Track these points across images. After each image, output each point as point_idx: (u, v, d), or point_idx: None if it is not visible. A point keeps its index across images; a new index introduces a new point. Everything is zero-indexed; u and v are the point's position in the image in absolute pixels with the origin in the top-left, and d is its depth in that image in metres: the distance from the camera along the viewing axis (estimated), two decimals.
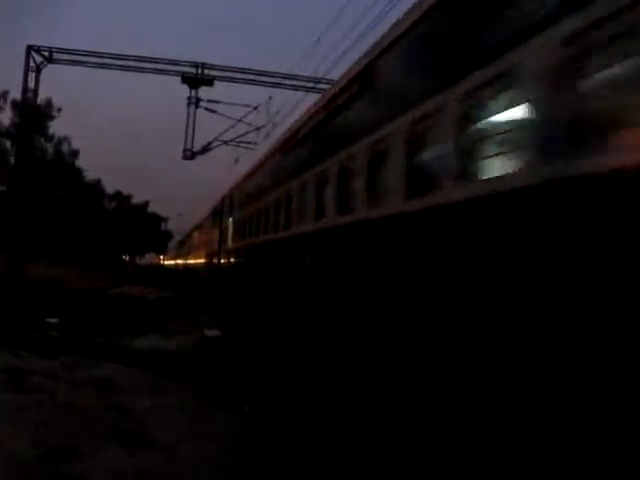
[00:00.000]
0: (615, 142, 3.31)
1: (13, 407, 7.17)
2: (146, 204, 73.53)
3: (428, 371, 5.10)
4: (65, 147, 37.75)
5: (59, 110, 35.25)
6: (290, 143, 11.12)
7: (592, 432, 3.32)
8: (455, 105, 4.61)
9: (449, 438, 4.71)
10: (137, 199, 69.62)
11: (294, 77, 29.07)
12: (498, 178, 4.16)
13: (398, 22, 6.18)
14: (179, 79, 29.51)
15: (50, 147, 36.53)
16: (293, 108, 23.94)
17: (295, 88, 28.72)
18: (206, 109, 30.13)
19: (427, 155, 5.29)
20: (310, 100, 16.09)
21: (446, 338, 4.76)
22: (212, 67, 29.77)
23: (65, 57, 29.47)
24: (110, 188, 57.94)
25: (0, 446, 5.72)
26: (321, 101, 9.38)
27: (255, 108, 29.63)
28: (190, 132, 30.63)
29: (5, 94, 32.89)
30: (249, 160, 22.90)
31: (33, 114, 31.73)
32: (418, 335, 5.14)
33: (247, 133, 30.75)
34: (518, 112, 4.01)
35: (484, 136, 4.43)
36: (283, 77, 29.43)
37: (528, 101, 3.86)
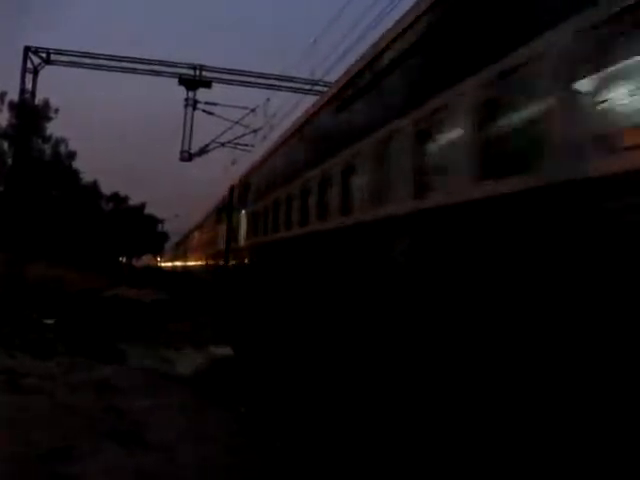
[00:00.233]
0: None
1: (10, 408, 7.16)
2: (143, 206, 73.49)
3: (428, 379, 5.10)
4: (62, 148, 37.74)
5: (56, 111, 35.28)
6: (339, 99, 8.03)
7: (586, 432, 3.34)
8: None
9: (447, 441, 4.72)
10: (134, 200, 69.60)
11: (291, 79, 29.10)
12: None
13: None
14: (176, 81, 29.53)
15: (47, 148, 36.53)
16: (290, 110, 23.94)
17: (293, 90, 28.76)
18: (203, 111, 30.16)
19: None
20: (307, 102, 16.12)
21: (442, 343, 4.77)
22: (209, 69, 29.78)
23: (63, 58, 29.45)
24: (107, 189, 57.98)
25: None
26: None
27: (252, 110, 29.68)
28: (187, 134, 30.64)
29: (3, 95, 32.91)
30: (246, 162, 22.81)
31: (30, 115, 31.70)
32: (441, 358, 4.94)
33: (244, 135, 30.80)
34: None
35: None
36: (281, 79, 29.46)
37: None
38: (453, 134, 4.78)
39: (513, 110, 4.17)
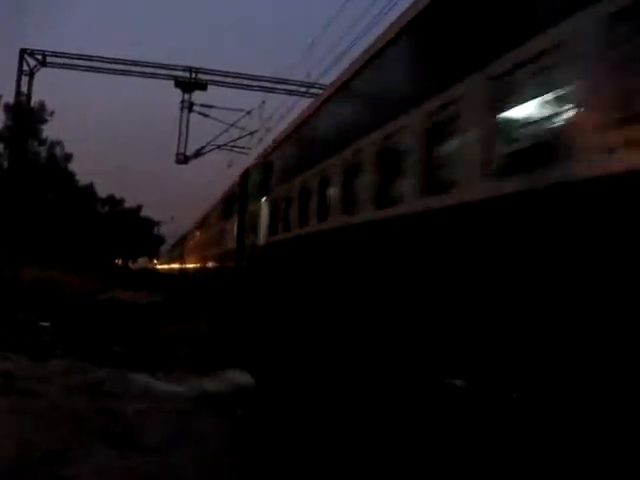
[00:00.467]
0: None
1: (4, 411, 7.16)
2: (139, 208, 73.46)
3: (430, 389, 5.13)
4: (58, 151, 37.74)
5: (52, 114, 35.30)
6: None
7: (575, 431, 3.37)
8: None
9: (446, 446, 4.74)
10: (130, 203, 69.63)
11: (287, 82, 29.13)
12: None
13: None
14: (172, 83, 29.53)
15: (43, 151, 36.54)
16: (286, 113, 23.94)
17: (288, 93, 28.79)
18: (199, 113, 30.17)
19: None
20: (303, 104, 16.17)
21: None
22: (205, 71, 29.79)
23: (58, 61, 29.40)
24: (103, 192, 57.94)
25: None
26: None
27: (248, 113, 29.71)
28: (183, 136, 30.65)
29: None
30: (242, 165, 22.76)
31: (26, 117, 31.68)
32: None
33: (240, 138, 30.82)
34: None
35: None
36: (276, 82, 29.48)
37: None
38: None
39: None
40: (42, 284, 25.22)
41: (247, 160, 24.59)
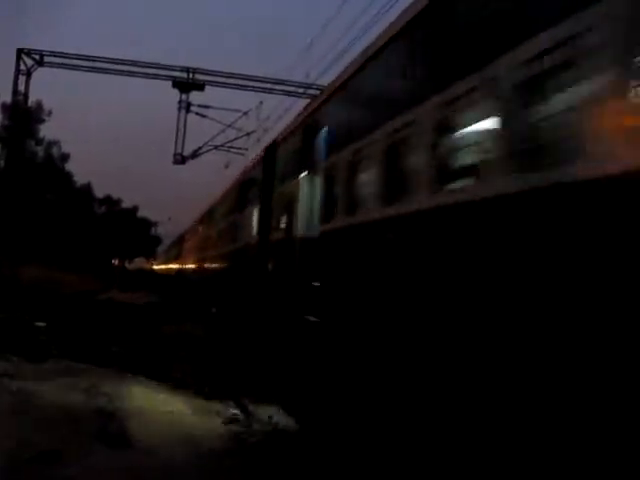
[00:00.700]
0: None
1: (1, 410, 7.15)
2: (135, 208, 73.46)
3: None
4: (55, 151, 37.70)
5: (49, 113, 35.24)
6: None
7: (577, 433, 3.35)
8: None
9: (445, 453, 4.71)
10: (127, 203, 69.62)
11: (285, 82, 29.17)
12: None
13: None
14: (170, 83, 29.54)
15: (40, 150, 36.49)
16: (283, 114, 23.94)
17: (286, 93, 28.82)
18: (197, 114, 30.19)
19: None
20: (302, 105, 16.15)
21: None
22: (203, 72, 29.82)
23: (56, 60, 29.43)
24: (100, 192, 57.93)
25: None
26: None
27: (245, 113, 29.75)
28: (181, 136, 30.68)
29: None
30: (239, 165, 22.68)
31: (23, 117, 31.65)
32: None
33: (237, 138, 30.84)
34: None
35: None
36: (274, 82, 29.51)
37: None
38: None
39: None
40: (39, 284, 25.16)
41: (244, 161, 24.57)
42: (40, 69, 29.29)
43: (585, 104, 3.52)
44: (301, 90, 28.22)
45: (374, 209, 6.58)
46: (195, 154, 31.39)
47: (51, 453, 5.67)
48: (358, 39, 17.21)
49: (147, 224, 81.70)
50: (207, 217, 27.85)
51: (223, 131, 30.73)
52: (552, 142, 3.78)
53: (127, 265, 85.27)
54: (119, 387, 8.89)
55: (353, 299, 7.11)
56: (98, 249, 50.30)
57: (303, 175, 9.97)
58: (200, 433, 6.87)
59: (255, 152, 20.58)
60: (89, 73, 29.92)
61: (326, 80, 19.23)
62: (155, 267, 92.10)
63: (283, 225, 11.15)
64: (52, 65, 29.33)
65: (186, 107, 29.93)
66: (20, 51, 28.66)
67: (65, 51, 31.99)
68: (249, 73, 35.33)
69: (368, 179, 6.92)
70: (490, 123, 4.37)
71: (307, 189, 9.76)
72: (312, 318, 8.34)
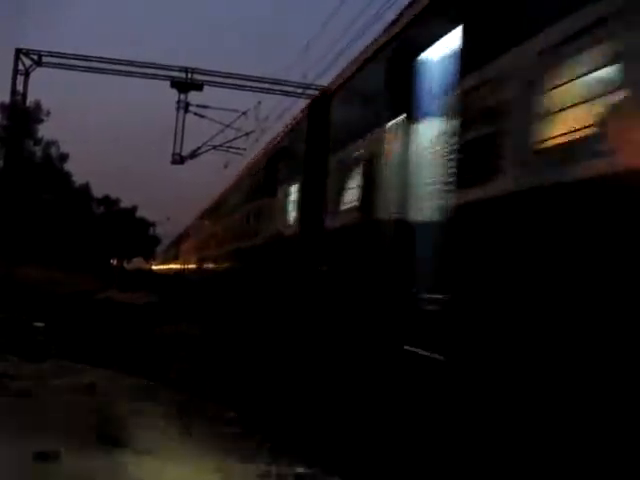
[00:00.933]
0: None
1: None
2: (134, 208, 73.41)
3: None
4: (54, 151, 37.70)
5: (48, 113, 35.24)
6: None
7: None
8: None
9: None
10: (125, 203, 69.58)
11: (283, 82, 29.16)
12: None
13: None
14: (169, 83, 29.52)
15: (38, 150, 36.49)
16: (282, 114, 23.94)
17: (285, 94, 28.82)
18: (195, 114, 30.18)
19: None
20: (300, 105, 16.15)
21: None
22: (201, 72, 29.78)
23: (54, 61, 29.37)
24: (98, 192, 57.89)
25: None
26: None
27: (244, 113, 29.73)
28: (179, 137, 30.64)
29: None
30: (238, 165, 22.55)
31: (22, 117, 31.64)
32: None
33: (236, 138, 30.82)
34: None
35: None
36: (272, 82, 29.51)
37: None
38: None
39: None
40: (37, 284, 25.17)
41: (243, 161, 24.47)
42: (38, 69, 29.29)
43: None
44: (300, 90, 28.22)
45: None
46: (194, 154, 31.37)
47: (49, 453, 5.68)
48: (356, 40, 17.21)
49: (146, 224, 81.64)
50: (214, 211, 23.79)
51: (222, 131, 30.73)
52: None
53: (125, 265, 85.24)
54: (116, 387, 8.90)
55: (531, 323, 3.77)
56: (96, 249, 50.27)
57: (395, 122, 6.42)
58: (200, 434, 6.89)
59: (254, 152, 20.40)
60: (87, 73, 29.91)
61: (324, 81, 19.26)
62: (154, 267, 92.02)
63: (352, 205, 7.44)
64: (50, 65, 29.28)
65: (185, 107, 29.92)
66: (18, 51, 28.63)
67: (64, 51, 31.97)
68: (248, 73, 35.25)
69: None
70: None
71: (408, 142, 6.21)
72: (426, 352, 5.13)
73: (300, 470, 5.75)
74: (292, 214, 10.53)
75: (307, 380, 8.61)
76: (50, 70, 29.64)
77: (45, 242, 34.79)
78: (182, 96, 29.82)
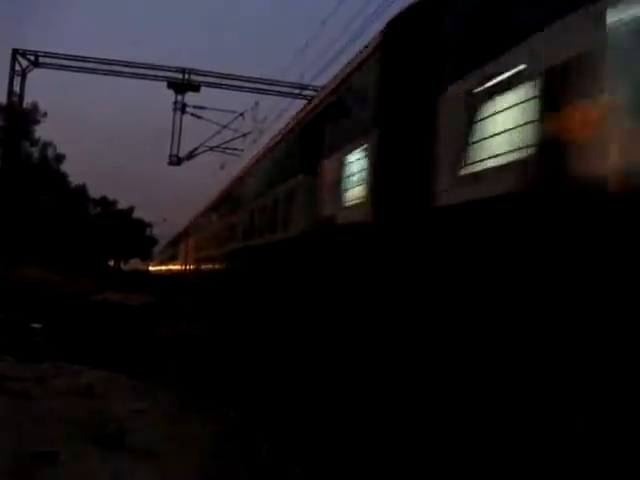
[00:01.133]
0: None
1: None
2: (131, 210, 73.35)
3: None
4: (50, 152, 37.66)
5: (44, 114, 35.21)
6: None
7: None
8: None
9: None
10: (122, 204, 69.52)
11: (281, 83, 29.17)
12: None
13: None
14: (165, 84, 29.51)
15: (35, 151, 36.46)
16: (280, 115, 23.94)
17: (282, 94, 28.84)
18: (192, 115, 30.17)
19: None
20: (297, 106, 16.17)
21: None
22: (198, 72, 29.79)
23: (51, 61, 29.36)
24: (95, 192, 57.82)
25: None
26: None
27: (241, 114, 29.72)
28: (176, 138, 30.64)
29: None
30: (235, 167, 22.42)
31: (19, 118, 31.60)
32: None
33: (233, 139, 30.81)
34: None
35: None
36: (270, 83, 29.52)
37: None
38: None
39: None
40: (34, 285, 25.12)
41: (240, 162, 24.41)
42: (36, 70, 29.28)
43: None
44: (297, 91, 28.25)
45: None
46: (191, 155, 31.36)
47: (48, 454, 5.69)
48: (354, 40, 17.25)
49: (142, 225, 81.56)
50: (225, 201, 19.84)
51: (219, 132, 30.72)
52: None
53: (122, 266, 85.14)
54: (114, 388, 8.90)
55: None
56: (93, 250, 50.22)
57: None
58: (199, 434, 6.90)
59: (251, 153, 20.12)
60: (84, 74, 29.90)
61: (321, 81, 19.28)
62: (151, 268, 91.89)
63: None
64: (47, 66, 29.28)
65: (181, 108, 29.91)
66: (15, 52, 28.62)
67: (61, 52, 31.95)
68: (245, 74, 35.26)
69: None
70: None
71: None
72: None
73: (298, 471, 5.77)
74: (355, 192, 6.93)
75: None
76: (47, 71, 29.65)
77: (42, 243, 34.76)
78: (179, 97, 29.83)
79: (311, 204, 8.81)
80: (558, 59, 3.59)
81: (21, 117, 31.82)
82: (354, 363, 6.73)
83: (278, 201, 11.17)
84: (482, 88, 4.38)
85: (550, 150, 3.61)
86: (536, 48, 3.80)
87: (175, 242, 46.04)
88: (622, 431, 3.13)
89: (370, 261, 6.17)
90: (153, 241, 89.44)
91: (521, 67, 3.93)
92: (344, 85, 8.23)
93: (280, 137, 12.00)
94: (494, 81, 4.22)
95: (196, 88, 29.54)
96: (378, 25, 8.21)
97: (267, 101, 28.74)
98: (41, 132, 36.95)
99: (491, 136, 4.21)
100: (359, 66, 7.54)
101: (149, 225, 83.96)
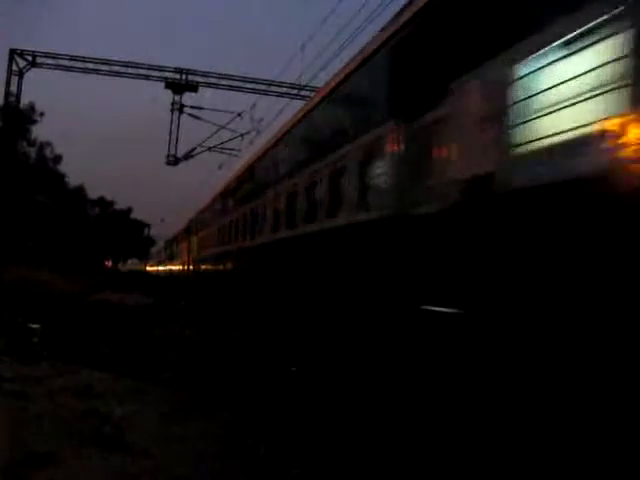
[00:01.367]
0: None
1: None
2: (129, 210, 73.29)
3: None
4: (48, 152, 37.58)
5: (42, 114, 35.10)
6: None
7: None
8: None
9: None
10: (120, 205, 69.45)
11: (278, 84, 29.19)
12: None
13: None
14: (163, 84, 29.50)
15: (32, 152, 36.37)
16: (277, 115, 23.90)
17: (280, 95, 28.85)
18: (190, 115, 30.16)
19: None
20: (295, 107, 16.15)
21: None
22: (196, 73, 29.81)
23: (49, 61, 29.36)
24: (93, 193, 57.74)
25: None
26: None
27: (239, 115, 29.71)
28: (174, 138, 30.64)
29: None
30: (234, 167, 22.30)
31: (16, 118, 31.55)
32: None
33: (231, 140, 30.79)
34: None
35: None
36: (268, 84, 29.53)
37: None
38: None
39: None
40: (31, 285, 25.08)
41: (238, 162, 24.33)
42: (34, 71, 29.27)
43: None
44: (294, 92, 28.26)
45: None
46: (188, 155, 31.35)
47: (45, 455, 5.68)
48: (350, 41, 17.23)
49: (140, 225, 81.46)
50: (241, 186, 16.61)
51: (216, 132, 30.71)
52: None
53: (120, 267, 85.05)
54: (111, 388, 8.89)
55: None
56: (91, 251, 50.16)
57: None
58: (196, 435, 6.89)
59: (249, 153, 19.81)
60: (82, 74, 29.86)
61: (318, 82, 19.29)
62: (149, 268, 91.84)
63: None
64: (45, 66, 29.26)
65: (179, 108, 29.89)
66: (13, 52, 28.60)
67: (58, 52, 31.87)
68: (242, 74, 35.25)
69: None
70: None
71: None
72: None
73: (296, 472, 5.77)
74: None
75: None
76: (46, 72, 29.66)
77: (40, 243, 34.71)
78: (176, 97, 29.82)
79: (415, 169, 5.71)
80: None
81: (18, 117, 31.76)
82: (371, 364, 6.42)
83: (341, 172, 7.82)
84: None
85: None
86: None
87: (172, 242, 44.66)
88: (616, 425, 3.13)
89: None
90: (151, 241, 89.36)
91: None
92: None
93: (343, 76, 8.24)
94: None
95: (193, 88, 29.56)
96: (376, 26, 8.03)
97: (265, 102, 28.75)
98: (39, 132, 36.95)
99: None
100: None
101: (147, 225, 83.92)
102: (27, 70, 28.88)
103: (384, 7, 15.59)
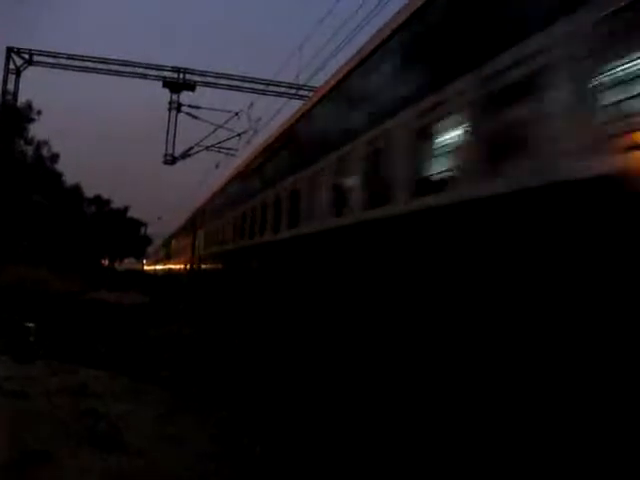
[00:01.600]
0: None
1: None
2: (126, 209, 73.22)
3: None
4: (45, 151, 37.53)
5: (39, 113, 35.06)
6: None
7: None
8: None
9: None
10: (117, 203, 69.40)
11: (276, 84, 29.17)
12: None
13: None
14: (161, 83, 29.47)
15: (30, 150, 36.31)
16: (275, 115, 23.92)
17: (277, 94, 28.84)
18: (187, 114, 30.13)
19: None
20: (293, 106, 16.14)
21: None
22: (193, 72, 29.77)
23: (46, 60, 29.30)
24: (90, 191, 57.68)
25: None
26: None
27: (236, 114, 29.70)
28: (171, 137, 30.60)
29: None
30: (232, 166, 22.17)
31: (13, 117, 31.49)
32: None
33: (228, 139, 30.78)
34: None
35: None
36: (266, 83, 29.52)
37: None
38: None
39: None
40: (28, 284, 25.05)
41: (236, 162, 24.25)
42: (31, 69, 29.21)
43: None
44: (292, 91, 28.25)
45: None
46: (185, 154, 31.32)
47: (41, 453, 5.67)
48: (348, 41, 17.25)
49: (137, 224, 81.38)
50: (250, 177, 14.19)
51: (214, 132, 30.69)
52: None
53: (117, 266, 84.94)
54: (107, 387, 8.88)
55: None
56: (88, 249, 50.10)
57: None
58: (192, 434, 6.89)
59: (246, 153, 19.73)
60: (79, 72, 29.81)
61: (316, 82, 19.29)
62: (146, 267, 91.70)
63: None
64: (42, 64, 29.20)
65: (177, 107, 29.87)
66: (10, 50, 28.53)
67: (56, 50, 31.82)
68: (240, 74, 35.22)
69: None
70: None
71: None
72: None
73: (293, 472, 5.77)
74: None
75: None
76: (43, 70, 29.60)
77: (36, 242, 34.66)
78: (174, 96, 29.79)
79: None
80: None
81: (15, 115, 31.71)
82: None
83: (377, 151, 6.32)
84: None
85: None
86: None
87: (171, 239, 41.26)
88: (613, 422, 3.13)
89: None
90: (148, 240, 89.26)
91: None
92: None
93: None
94: None
95: (191, 87, 29.54)
96: (374, 26, 7.97)
97: (262, 101, 28.71)
98: (36, 131, 36.90)
99: None
100: None
101: (144, 224, 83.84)
102: (24, 68, 28.84)
103: (381, 7, 15.62)
